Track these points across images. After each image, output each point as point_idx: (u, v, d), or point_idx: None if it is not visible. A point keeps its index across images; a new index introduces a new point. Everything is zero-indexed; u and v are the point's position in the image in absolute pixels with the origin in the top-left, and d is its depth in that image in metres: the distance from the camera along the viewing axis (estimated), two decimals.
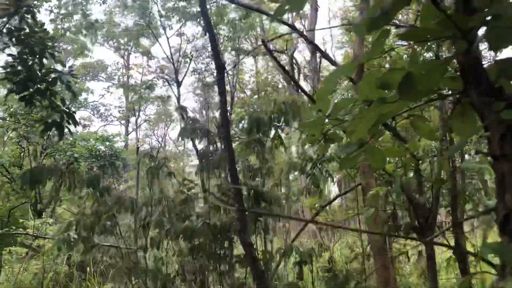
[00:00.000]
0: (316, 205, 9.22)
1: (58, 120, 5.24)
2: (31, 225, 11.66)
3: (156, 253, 6.36)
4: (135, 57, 32.99)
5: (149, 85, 14.57)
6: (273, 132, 6.43)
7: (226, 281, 5.64)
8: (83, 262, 11.42)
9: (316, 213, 7.85)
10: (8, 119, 20.07)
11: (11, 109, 18.53)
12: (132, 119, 40.97)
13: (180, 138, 6.40)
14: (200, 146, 9.00)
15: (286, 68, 28.65)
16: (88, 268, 10.91)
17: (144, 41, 21.62)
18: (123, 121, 41.35)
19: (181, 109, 6.69)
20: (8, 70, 5.33)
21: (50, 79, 5.31)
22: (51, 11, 20.12)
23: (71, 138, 20.02)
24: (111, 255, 6.78)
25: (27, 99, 5.30)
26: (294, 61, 29.46)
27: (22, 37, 5.33)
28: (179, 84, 7.41)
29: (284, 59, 31.56)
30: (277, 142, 6.39)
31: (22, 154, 19.55)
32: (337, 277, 5.87)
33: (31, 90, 5.33)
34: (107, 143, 18.79)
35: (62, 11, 19.32)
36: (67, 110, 5.33)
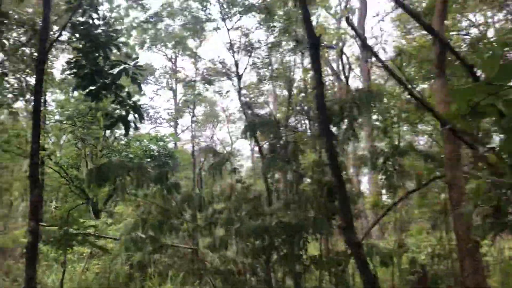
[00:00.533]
0: (385, 202, 8.71)
1: (124, 114, 5.05)
2: (91, 225, 11.73)
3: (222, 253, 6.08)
4: (182, 59, 33.21)
5: (208, 80, 14.36)
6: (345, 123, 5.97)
7: (300, 283, 5.26)
8: (141, 262, 11.39)
9: (387, 209, 7.33)
10: (65, 121, 20.61)
11: (68, 112, 19.00)
12: (180, 121, 41.37)
13: (244, 135, 6.02)
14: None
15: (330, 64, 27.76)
16: (148, 269, 10.82)
17: (191, 43, 21.50)
18: (171, 123, 41.90)
19: (245, 105, 6.33)
20: (73, 65, 5.19)
21: (115, 73, 5.13)
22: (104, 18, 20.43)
23: (125, 139, 20.31)
24: (175, 255, 6.56)
25: (93, 94, 5.14)
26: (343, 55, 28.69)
27: (86, 31, 5.18)
28: (239, 77, 7.10)
29: (332, 54, 30.78)
30: (349, 135, 5.93)
31: (79, 156, 20.02)
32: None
33: (97, 84, 5.17)
34: (161, 143, 18.87)
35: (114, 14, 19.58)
36: (133, 104, 5.12)
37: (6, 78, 11.13)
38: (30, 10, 10.93)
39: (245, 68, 9.66)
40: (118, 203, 19.93)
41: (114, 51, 5.19)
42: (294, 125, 9.43)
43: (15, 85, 11.58)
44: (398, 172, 6.86)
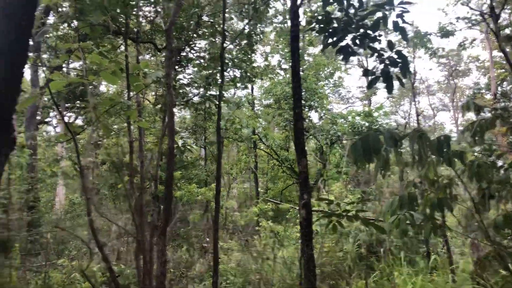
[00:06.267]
0: None
1: (387, 69, 4.25)
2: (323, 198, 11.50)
3: None
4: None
5: (446, 31, 12.61)
6: None
7: None
8: (371, 241, 10.74)
9: None
10: (273, 105, 21.34)
11: (276, 96, 19.55)
12: (374, 98, 39.57)
13: None
14: None
15: None
16: (381, 248, 10.12)
17: None
18: (365, 101, 40.54)
19: None
20: (318, 20, 4.60)
21: (370, 23, 4.37)
22: None
23: (328, 117, 20.00)
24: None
25: (345, 51, 4.48)
26: None
27: None
28: (496, 18, 5.64)
29: None
30: None
31: (287, 137, 20.52)
32: None
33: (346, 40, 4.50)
34: (370, 118, 17.91)
35: None
36: (394, 57, 4.28)
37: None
38: None
39: (502, 7, 7.83)
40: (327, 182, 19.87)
41: None
42: None
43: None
44: None
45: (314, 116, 21.06)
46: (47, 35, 10.80)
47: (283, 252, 10.86)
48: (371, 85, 4.40)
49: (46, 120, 23.35)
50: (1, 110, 2.63)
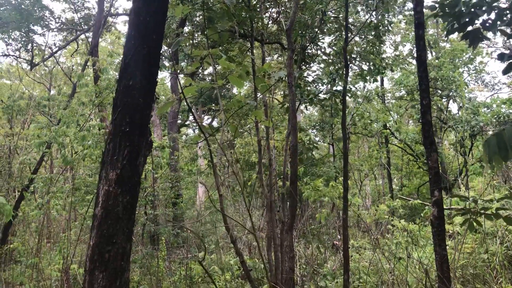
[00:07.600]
0: None
1: None
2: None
3: None
4: None
5: None
6: None
7: None
8: None
9: None
10: (405, 97, 20.35)
11: (408, 86, 18.61)
12: None
13: None
14: None
15: None
16: None
17: None
18: None
19: None
20: (442, 5, 4.25)
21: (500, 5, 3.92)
22: None
23: (468, 106, 18.37)
24: None
25: (470, 35, 4.09)
26: None
27: None
28: None
29: None
30: None
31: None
32: None
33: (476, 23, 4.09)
34: None
35: None
36: None
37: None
38: None
39: None
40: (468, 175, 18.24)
41: None
42: None
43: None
44: None
45: (453, 106, 19.60)
46: (184, 44, 11.72)
47: (418, 253, 10.27)
48: (507, 70, 3.93)
49: (187, 123, 25.37)
50: (140, 118, 2.93)
